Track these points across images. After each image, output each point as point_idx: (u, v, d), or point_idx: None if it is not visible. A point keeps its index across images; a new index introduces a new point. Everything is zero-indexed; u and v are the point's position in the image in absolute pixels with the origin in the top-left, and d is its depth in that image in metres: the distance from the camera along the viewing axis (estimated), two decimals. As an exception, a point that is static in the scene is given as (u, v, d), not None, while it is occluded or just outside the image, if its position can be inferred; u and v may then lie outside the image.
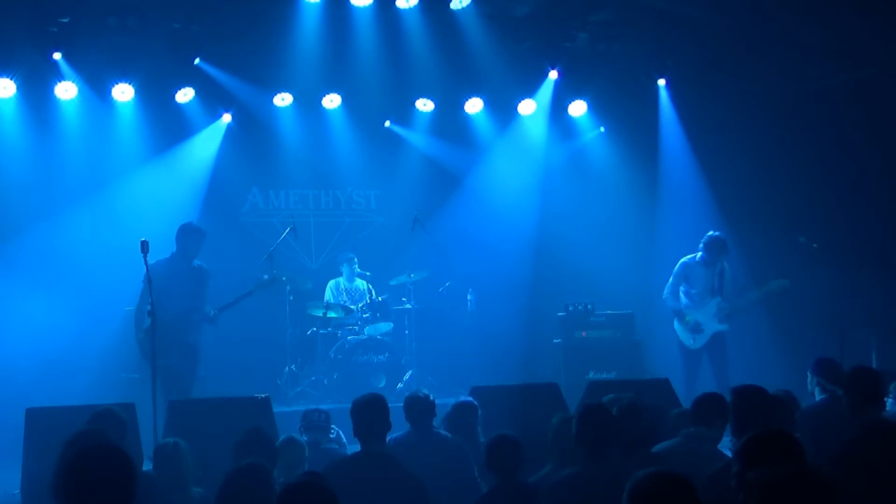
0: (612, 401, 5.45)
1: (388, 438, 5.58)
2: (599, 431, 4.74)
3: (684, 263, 9.96)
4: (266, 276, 9.63)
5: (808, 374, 6.83)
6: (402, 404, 6.16)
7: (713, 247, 9.76)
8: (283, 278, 10.43)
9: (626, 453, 4.97)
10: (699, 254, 9.86)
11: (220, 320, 9.07)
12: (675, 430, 5.63)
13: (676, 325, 9.97)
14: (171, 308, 8.61)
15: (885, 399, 6.73)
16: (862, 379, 5.51)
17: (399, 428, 5.93)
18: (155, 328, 7.55)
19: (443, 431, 6.15)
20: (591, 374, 10.54)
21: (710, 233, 9.90)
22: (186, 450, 5.54)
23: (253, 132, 11.74)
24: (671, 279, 10.02)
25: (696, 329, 9.81)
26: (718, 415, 5.52)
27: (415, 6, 10.57)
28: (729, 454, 5.55)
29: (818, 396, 6.63)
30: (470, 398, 6.77)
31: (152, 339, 7.47)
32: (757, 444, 3.71)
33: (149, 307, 7.51)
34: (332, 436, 7.00)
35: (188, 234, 8.94)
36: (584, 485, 4.57)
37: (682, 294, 9.97)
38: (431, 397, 6.15)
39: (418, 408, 6.05)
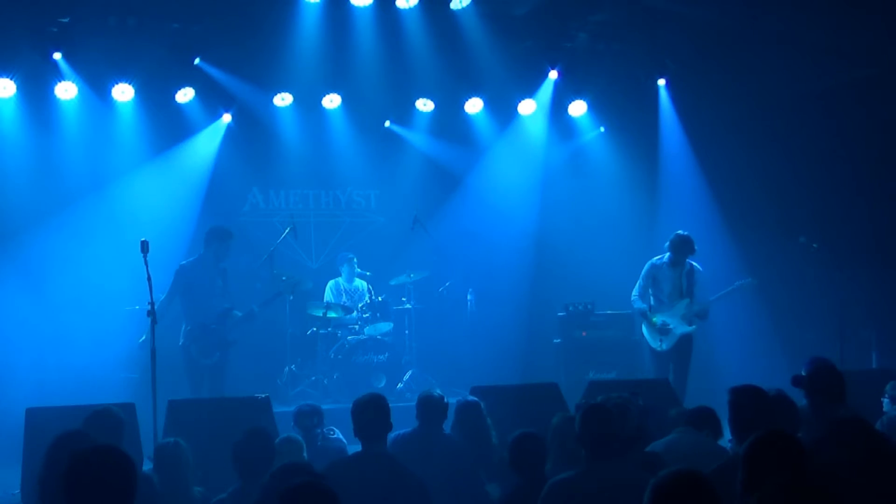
0: (607, 400, 5.45)
1: (394, 434, 5.59)
2: (602, 430, 4.72)
3: (652, 264, 9.75)
4: (284, 283, 9.97)
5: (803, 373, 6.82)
6: (402, 404, 6.16)
7: (679, 246, 9.54)
8: (284, 278, 10.45)
9: (621, 452, 4.97)
10: (666, 255, 9.67)
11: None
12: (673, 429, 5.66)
13: (644, 327, 9.76)
14: (211, 309, 9.05)
15: (882, 399, 6.75)
16: (822, 378, 5.49)
17: (399, 427, 5.92)
18: (154, 328, 7.55)
19: (451, 433, 6.12)
20: (591, 374, 10.54)
21: (677, 232, 9.72)
22: (187, 449, 5.55)
23: (253, 132, 11.74)
24: (639, 281, 9.79)
25: (663, 331, 9.55)
26: (709, 424, 5.63)
27: (415, 6, 10.56)
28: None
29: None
30: (472, 397, 6.76)
31: (152, 339, 7.47)
32: (760, 447, 3.71)
33: (148, 307, 7.50)
34: (331, 436, 6.99)
35: (223, 239, 9.25)
36: (588, 485, 4.55)
37: (651, 296, 9.76)
38: (445, 399, 6.14)
39: (429, 408, 6.03)
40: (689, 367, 9.59)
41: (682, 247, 9.57)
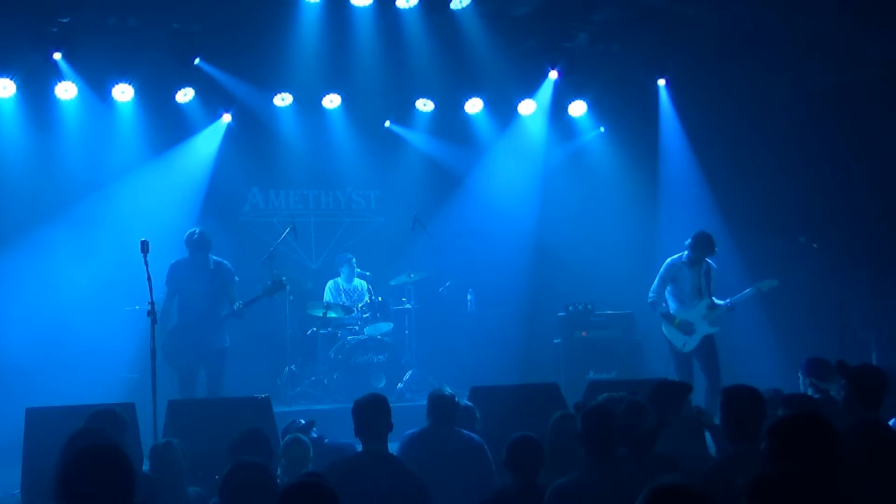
0: (609, 400, 5.43)
1: (407, 432, 5.57)
2: (605, 432, 4.69)
3: (670, 264, 9.68)
4: (273, 281, 9.61)
5: (800, 374, 6.83)
6: (402, 404, 6.17)
7: (701, 244, 9.47)
8: (283, 278, 10.42)
9: (632, 453, 4.96)
10: (685, 253, 9.59)
11: (245, 315, 9.24)
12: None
13: (665, 328, 9.69)
14: (195, 309, 8.90)
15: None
16: (867, 379, 5.46)
17: (398, 429, 5.92)
18: (154, 329, 7.55)
19: (465, 431, 6.13)
20: (591, 374, 10.54)
21: (699, 230, 9.63)
22: (180, 449, 5.55)
23: (253, 132, 11.74)
24: (657, 280, 9.72)
25: (687, 331, 9.53)
26: (670, 405, 5.52)
27: (415, 6, 10.57)
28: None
29: (811, 396, 6.63)
30: (467, 402, 6.77)
31: (152, 339, 7.48)
32: (788, 426, 3.73)
33: (148, 307, 7.51)
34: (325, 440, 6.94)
35: (194, 244, 9.07)
36: (590, 487, 4.52)
37: (668, 296, 9.73)
38: (456, 397, 6.15)
39: (440, 406, 6.03)
40: (720, 367, 9.53)
41: (705, 245, 9.51)
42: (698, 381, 9.48)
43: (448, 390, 6.20)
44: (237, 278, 9.35)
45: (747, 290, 9.66)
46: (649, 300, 9.78)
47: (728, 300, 9.60)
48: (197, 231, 9.17)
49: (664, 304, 9.73)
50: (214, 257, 9.22)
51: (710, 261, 9.67)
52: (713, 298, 9.58)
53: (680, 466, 4.92)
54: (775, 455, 3.63)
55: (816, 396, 6.58)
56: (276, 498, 3.55)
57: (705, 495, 3.08)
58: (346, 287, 11.27)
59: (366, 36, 10.76)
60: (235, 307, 9.09)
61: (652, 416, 5.13)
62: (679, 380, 8.97)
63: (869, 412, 5.21)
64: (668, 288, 9.73)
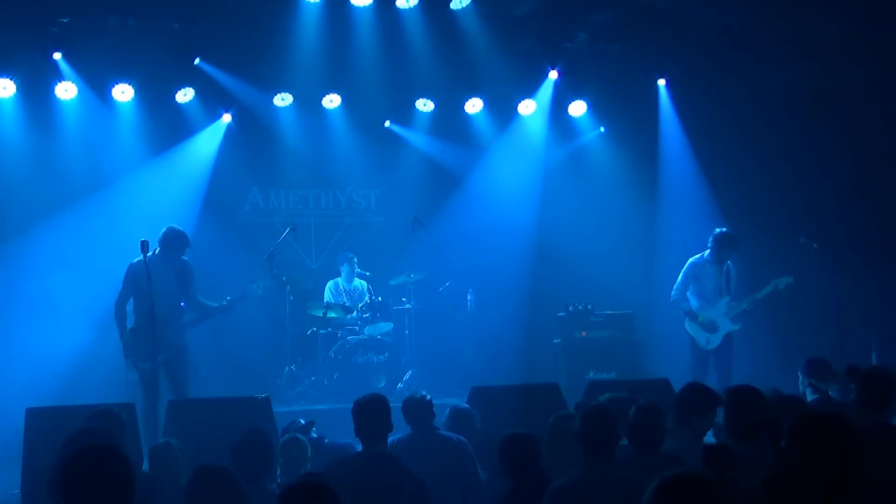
0: (611, 400, 5.43)
1: (390, 440, 5.58)
2: (604, 432, 4.68)
3: (693, 263, 9.87)
4: (255, 285, 9.44)
5: (799, 374, 6.83)
6: (401, 404, 6.15)
7: (724, 243, 9.65)
8: (284, 278, 10.44)
9: (638, 452, 4.96)
10: (707, 252, 9.78)
11: (234, 310, 9.16)
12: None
13: (689, 325, 9.85)
14: (160, 310, 8.58)
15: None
16: (877, 381, 5.44)
17: (399, 429, 5.93)
18: (155, 328, 7.55)
19: (444, 431, 6.14)
20: (591, 374, 10.53)
21: (718, 229, 9.82)
22: (179, 450, 5.55)
23: (253, 132, 11.74)
24: (680, 279, 9.91)
25: (711, 328, 9.70)
26: (695, 410, 5.44)
27: (415, 6, 10.57)
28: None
29: (810, 397, 6.63)
30: (465, 405, 6.78)
31: (152, 339, 7.48)
32: (809, 426, 3.71)
33: (149, 307, 7.50)
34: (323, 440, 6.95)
35: (174, 243, 8.80)
36: (590, 488, 4.51)
37: (690, 294, 9.88)
38: (428, 397, 6.16)
39: (418, 409, 6.05)
40: (733, 365, 9.69)
41: (727, 243, 9.69)
42: (711, 379, 9.52)
43: (421, 392, 6.21)
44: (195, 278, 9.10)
45: (766, 288, 9.77)
46: (672, 298, 9.97)
47: (748, 300, 9.71)
48: (181, 230, 8.90)
49: (686, 302, 9.87)
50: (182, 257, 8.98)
51: (729, 261, 9.85)
52: (732, 297, 9.74)
53: (684, 466, 4.91)
54: (795, 454, 3.62)
55: (815, 396, 6.60)
56: (239, 501, 3.56)
57: (714, 484, 3.07)
58: (347, 287, 11.27)
59: (366, 36, 10.76)
60: (226, 301, 9.02)
61: (665, 418, 5.11)
62: (693, 378, 8.98)
63: (879, 415, 5.21)
64: (691, 286, 9.87)
